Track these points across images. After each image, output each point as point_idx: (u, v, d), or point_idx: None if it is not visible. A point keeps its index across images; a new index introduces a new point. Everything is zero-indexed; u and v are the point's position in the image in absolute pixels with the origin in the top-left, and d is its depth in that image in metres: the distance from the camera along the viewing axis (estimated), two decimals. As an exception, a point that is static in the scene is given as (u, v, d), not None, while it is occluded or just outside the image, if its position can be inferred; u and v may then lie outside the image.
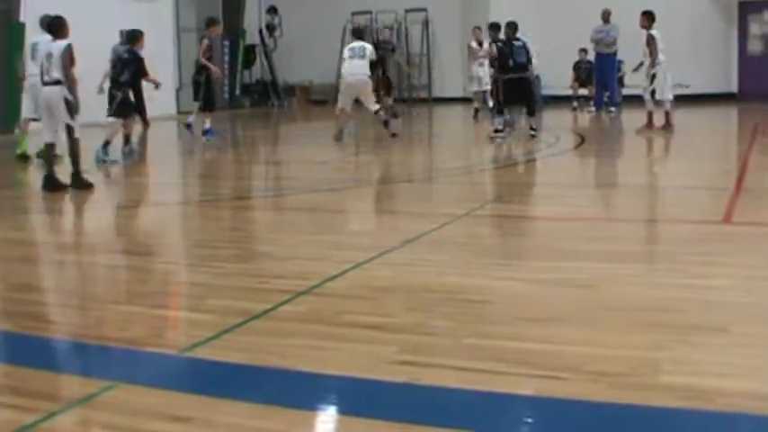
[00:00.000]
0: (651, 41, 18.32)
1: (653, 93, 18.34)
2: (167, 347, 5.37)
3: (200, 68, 19.31)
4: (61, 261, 8.36)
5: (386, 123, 18.75)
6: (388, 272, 7.03)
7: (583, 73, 26.08)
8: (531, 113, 18.10)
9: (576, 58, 26.16)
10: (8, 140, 20.41)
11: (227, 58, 29.83)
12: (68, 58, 11.86)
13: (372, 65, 18.17)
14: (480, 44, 22.32)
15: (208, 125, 19.11)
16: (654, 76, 18.29)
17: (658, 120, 18.47)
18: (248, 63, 32.75)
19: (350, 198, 11.54)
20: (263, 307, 6.00)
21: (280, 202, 11.70)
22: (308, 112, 29.80)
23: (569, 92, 26.13)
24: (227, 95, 30.49)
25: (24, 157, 16.00)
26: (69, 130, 11.90)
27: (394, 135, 18.50)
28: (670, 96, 18.46)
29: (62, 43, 11.92)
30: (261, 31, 32.90)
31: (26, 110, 16.55)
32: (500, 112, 17.63)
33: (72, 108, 11.84)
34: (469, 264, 7.37)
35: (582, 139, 18.20)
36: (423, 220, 9.33)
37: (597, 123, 22.18)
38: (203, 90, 19.05)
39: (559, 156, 15.69)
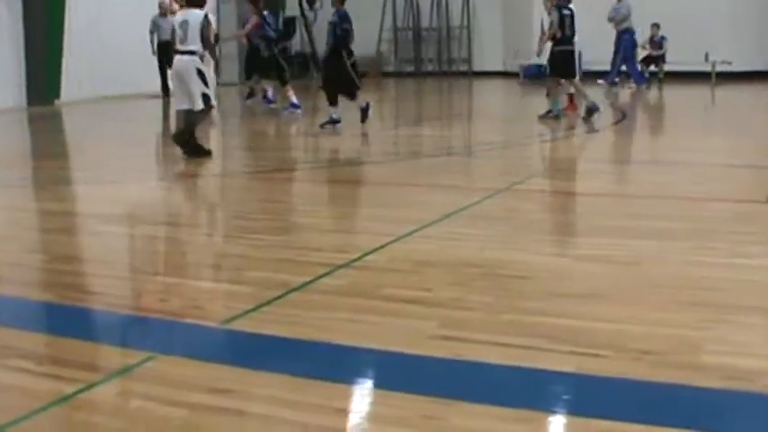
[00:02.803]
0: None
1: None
2: (206, 319, 5.36)
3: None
4: (101, 232, 8.36)
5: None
6: (428, 246, 7.01)
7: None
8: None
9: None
10: (50, 111, 20.62)
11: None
12: (208, 28, 12.06)
13: None
14: None
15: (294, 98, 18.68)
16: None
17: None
18: (288, 35, 32.65)
19: (390, 171, 11.49)
20: (302, 280, 5.99)
21: (319, 174, 11.69)
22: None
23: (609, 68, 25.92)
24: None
25: None
26: (206, 99, 12.01)
27: None
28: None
29: (199, 12, 12.01)
30: (300, 3, 32.82)
31: None
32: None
33: (206, 78, 11.96)
34: (510, 239, 7.33)
35: (623, 115, 18.03)
36: (463, 194, 9.30)
37: (611, 98, 21.87)
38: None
39: (600, 132, 15.54)
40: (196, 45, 11.91)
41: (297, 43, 33.57)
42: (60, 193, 10.45)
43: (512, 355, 4.56)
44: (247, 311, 5.37)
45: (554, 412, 4.00)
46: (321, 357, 4.72)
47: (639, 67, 25.12)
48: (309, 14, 33.07)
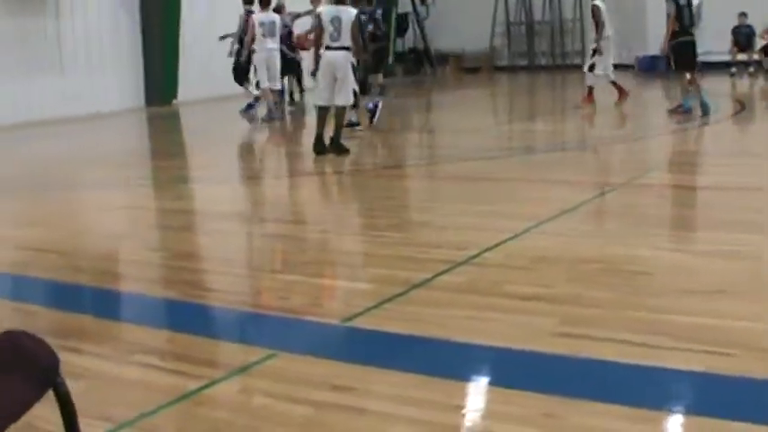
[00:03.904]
0: (595, 12, 17.35)
1: (591, 67, 17.51)
2: (327, 317, 5.39)
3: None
4: (220, 229, 8.47)
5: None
6: (546, 242, 6.95)
7: (742, 38, 25.40)
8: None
9: (735, 23, 25.46)
10: (168, 111, 20.95)
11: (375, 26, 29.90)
12: (358, 25, 12.28)
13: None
14: None
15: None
16: (595, 51, 17.42)
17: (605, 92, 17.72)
18: (401, 31, 32.75)
19: (505, 167, 11.43)
20: (422, 276, 5.99)
21: (435, 170, 11.70)
22: (461, 80, 29.69)
23: (727, 58, 25.39)
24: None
25: None
26: (355, 95, 12.26)
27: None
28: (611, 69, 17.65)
29: (351, 10, 12.21)
30: (413, 0, 32.86)
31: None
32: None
33: (357, 74, 12.18)
34: (630, 234, 7.22)
35: (742, 106, 17.65)
36: (580, 189, 9.18)
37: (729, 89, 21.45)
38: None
39: (719, 123, 15.23)
40: (349, 42, 12.03)
41: (410, 39, 33.62)
42: (179, 192, 10.63)
43: (634, 353, 4.48)
44: (368, 309, 5.38)
45: (677, 412, 3.92)
46: (441, 355, 4.72)
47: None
48: (422, 10, 33.12)
